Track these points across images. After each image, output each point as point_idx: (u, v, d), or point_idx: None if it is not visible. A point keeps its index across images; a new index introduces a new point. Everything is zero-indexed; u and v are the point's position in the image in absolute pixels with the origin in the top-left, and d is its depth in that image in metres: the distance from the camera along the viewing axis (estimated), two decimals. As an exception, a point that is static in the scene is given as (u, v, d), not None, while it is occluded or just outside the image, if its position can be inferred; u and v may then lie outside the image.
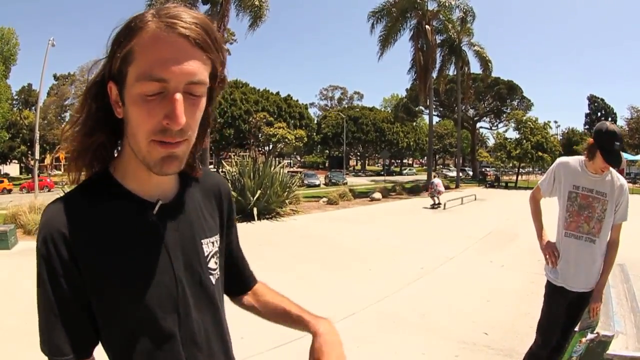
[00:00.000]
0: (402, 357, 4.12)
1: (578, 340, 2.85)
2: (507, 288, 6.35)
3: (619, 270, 5.44)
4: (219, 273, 1.08)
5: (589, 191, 2.91)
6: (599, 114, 68.42)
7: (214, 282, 1.05)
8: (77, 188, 0.95)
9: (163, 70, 0.80)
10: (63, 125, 0.95)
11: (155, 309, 0.92)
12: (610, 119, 65.60)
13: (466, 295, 6.03)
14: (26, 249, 9.07)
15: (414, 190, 26.76)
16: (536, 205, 3.43)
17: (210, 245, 1.05)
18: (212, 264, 1.05)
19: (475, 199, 20.88)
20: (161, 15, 0.82)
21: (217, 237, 1.09)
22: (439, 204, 18.27)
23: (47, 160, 67.33)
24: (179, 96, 0.81)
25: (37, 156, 22.11)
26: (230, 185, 1.17)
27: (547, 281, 3.12)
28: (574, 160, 2.99)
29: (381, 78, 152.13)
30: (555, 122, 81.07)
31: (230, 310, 1.18)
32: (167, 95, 0.82)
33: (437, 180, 19.41)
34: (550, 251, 3.06)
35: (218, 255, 1.08)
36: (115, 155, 0.99)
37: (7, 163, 63.22)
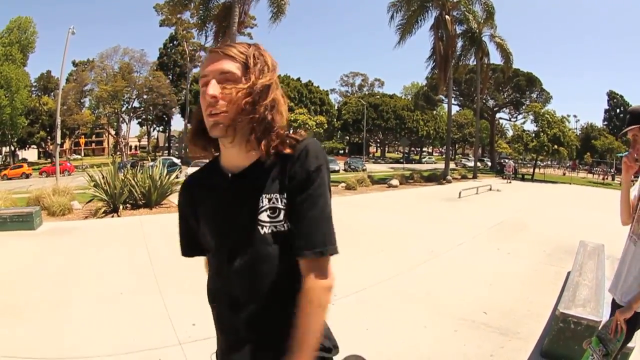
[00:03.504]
0: (406, 329, 4.43)
1: (592, 350, 2.54)
2: (511, 274, 6.57)
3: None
4: (275, 226, 1.30)
5: None
6: (618, 110, 67.38)
7: (262, 232, 1.30)
8: (204, 164, 1.54)
9: (202, 70, 1.33)
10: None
11: (214, 233, 1.41)
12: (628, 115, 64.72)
13: (471, 278, 6.28)
14: (50, 229, 9.42)
15: (432, 178, 26.93)
16: None
17: (266, 201, 1.31)
18: (264, 216, 1.30)
19: (491, 190, 20.94)
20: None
21: (277, 195, 1.30)
22: (510, 181, 28.79)
23: (66, 145, 68.18)
24: (212, 78, 1.27)
25: (58, 141, 22.51)
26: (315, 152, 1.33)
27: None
28: None
29: (402, 66, 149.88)
30: (575, 116, 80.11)
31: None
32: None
33: (509, 162, 31.16)
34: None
35: (277, 211, 1.30)
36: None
37: (26, 148, 64.01)
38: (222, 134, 1.29)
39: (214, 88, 1.26)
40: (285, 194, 1.30)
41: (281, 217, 1.30)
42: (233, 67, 1.28)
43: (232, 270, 1.33)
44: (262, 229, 1.30)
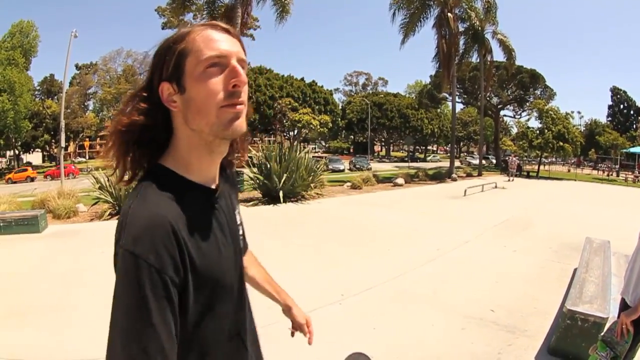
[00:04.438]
0: (413, 327, 4.44)
1: (600, 356, 2.50)
2: (517, 271, 6.56)
3: (625, 260, 5.59)
4: (243, 238, 1.32)
5: None
6: (622, 106, 67.05)
7: (241, 245, 1.24)
8: (148, 185, 0.99)
9: (219, 49, 0.99)
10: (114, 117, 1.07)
11: (229, 279, 1.08)
12: (632, 111, 64.46)
13: (477, 276, 6.27)
14: (56, 232, 9.49)
15: (437, 176, 26.88)
16: None
17: (239, 215, 1.26)
18: (241, 230, 1.27)
19: (496, 187, 20.84)
20: (200, 24, 1.04)
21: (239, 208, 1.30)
22: (512, 179, 27.25)
23: (71, 148, 68.27)
24: (235, 62, 1.00)
25: (62, 144, 22.54)
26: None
27: None
28: None
29: (406, 64, 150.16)
30: (579, 112, 79.87)
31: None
32: (227, 66, 1.00)
33: (513, 159, 30.66)
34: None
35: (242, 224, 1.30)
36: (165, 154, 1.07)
37: (30, 152, 64.03)
38: (243, 130, 1.05)
39: (242, 70, 1.02)
40: None
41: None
42: (244, 56, 1.06)
43: (246, 302, 1.21)
44: (242, 243, 1.27)
